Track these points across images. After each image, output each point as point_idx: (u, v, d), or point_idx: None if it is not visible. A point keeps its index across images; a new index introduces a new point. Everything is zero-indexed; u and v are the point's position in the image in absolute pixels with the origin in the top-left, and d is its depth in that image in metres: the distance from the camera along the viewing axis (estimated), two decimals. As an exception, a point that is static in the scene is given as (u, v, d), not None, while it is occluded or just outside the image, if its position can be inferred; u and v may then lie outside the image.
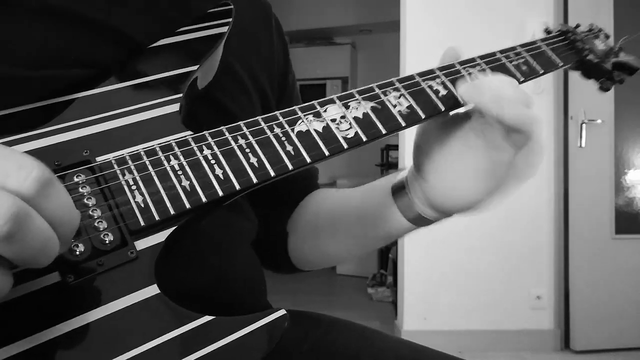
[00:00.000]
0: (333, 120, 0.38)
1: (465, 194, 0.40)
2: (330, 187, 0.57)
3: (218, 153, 0.34)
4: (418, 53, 2.08)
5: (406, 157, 2.12)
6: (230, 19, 0.42)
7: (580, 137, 2.04)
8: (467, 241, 2.09)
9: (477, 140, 0.38)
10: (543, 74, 0.46)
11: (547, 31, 0.51)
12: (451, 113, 0.41)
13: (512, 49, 0.46)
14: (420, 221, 0.44)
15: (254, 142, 0.35)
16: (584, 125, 2.03)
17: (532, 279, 2.10)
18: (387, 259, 3.13)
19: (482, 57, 0.45)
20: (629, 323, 2.05)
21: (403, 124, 0.39)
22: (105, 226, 0.30)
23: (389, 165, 3.52)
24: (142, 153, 0.34)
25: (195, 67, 0.39)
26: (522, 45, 0.47)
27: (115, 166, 0.33)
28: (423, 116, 0.40)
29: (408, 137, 2.12)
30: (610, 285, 2.05)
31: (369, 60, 4.36)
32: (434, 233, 2.20)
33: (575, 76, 2.14)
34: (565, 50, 0.49)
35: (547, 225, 2.10)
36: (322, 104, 0.38)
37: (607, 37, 0.53)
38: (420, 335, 1.94)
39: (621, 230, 2.08)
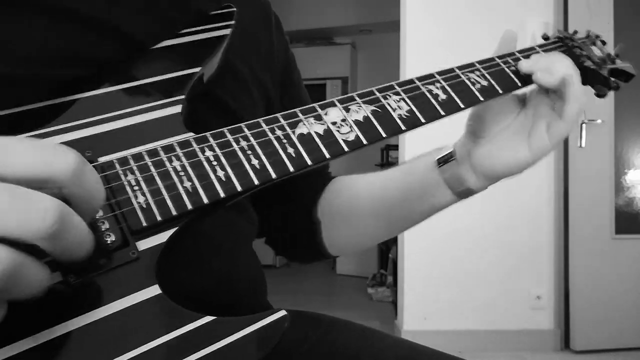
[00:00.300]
0: (334, 123, 0.38)
1: (514, 153, 0.44)
2: (359, 175, 0.58)
3: (220, 154, 0.35)
4: (418, 53, 2.09)
5: (406, 157, 2.12)
6: (233, 21, 0.42)
7: (580, 137, 2.04)
8: (467, 241, 2.09)
9: (529, 112, 0.45)
10: None
11: (545, 37, 0.52)
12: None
13: (511, 54, 0.47)
14: (464, 192, 0.47)
15: (255, 144, 0.36)
16: (584, 125, 2.04)
17: (532, 279, 2.10)
18: (387, 258, 3.13)
19: (480, 62, 0.45)
20: (629, 323, 2.05)
21: (403, 128, 0.39)
22: (107, 226, 0.31)
23: (389, 165, 3.52)
24: (144, 154, 0.34)
25: (197, 69, 0.39)
26: (520, 51, 0.48)
27: (118, 167, 0.33)
28: (423, 120, 0.40)
29: (408, 138, 2.12)
30: (611, 285, 2.05)
31: (369, 60, 4.36)
32: (434, 233, 2.19)
33: (575, 76, 2.09)
34: None
35: (547, 225, 2.10)
36: (322, 107, 0.39)
37: (603, 43, 0.53)
38: (420, 335, 1.94)
39: (621, 230, 2.08)
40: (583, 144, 2.04)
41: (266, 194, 0.44)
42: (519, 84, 0.45)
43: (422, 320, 2.09)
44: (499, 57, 0.46)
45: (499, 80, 0.45)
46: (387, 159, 3.63)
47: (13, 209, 0.22)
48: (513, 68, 0.46)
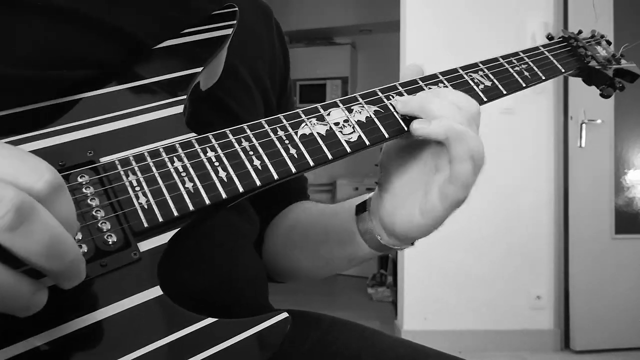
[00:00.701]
0: (336, 124, 0.38)
1: (408, 213, 0.39)
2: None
3: (222, 155, 0.35)
4: (418, 53, 2.09)
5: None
6: (235, 21, 0.42)
7: (580, 137, 2.04)
8: (467, 241, 2.09)
9: (429, 163, 0.39)
10: (545, 80, 0.46)
11: (549, 37, 0.52)
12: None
13: (515, 54, 0.47)
14: (379, 246, 0.42)
15: (257, 145, 0.36)
16: (584, 126, 2.04)
17: (532, 279, 2.10)
18: (387, 259, 3.13)
19: (484, 63, 0.45)
20: (629, 323, 2.05)
21: (406, 129, 0.39)
22: (109, 227, 0.30)
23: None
24: (146, 154, 0.34)
25: (199, 69, 0.39)
26: (525, 51, 0.47)
27: (119, 167, 0.33)
28: None
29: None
30: (610, 285, 2.05)
31: (369, 60, 4.36)
32: (434, 233, 2.19)
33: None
34: (567, 57, 0.50)
35: (547, 225, 2.10)
36: (325, 108, 0.39)
37: (609, 43, 0.53)
38: (420, 335, 1.94)
39: (621, 230, 2.08)
40: (583, 144, 2.04)
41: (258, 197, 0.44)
42: (523, 85, 0.45)
43: (422, 320, 2.09)
44: (503, 58, 0.46)
45: (503, 81, 0.44)
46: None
47: None
48: (517, 69, 0.45)
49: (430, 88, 0.42)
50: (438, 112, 0.36)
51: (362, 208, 0.43)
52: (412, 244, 0.42)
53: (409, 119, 0.39)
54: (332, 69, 4.26)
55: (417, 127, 0.37)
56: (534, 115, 2.10)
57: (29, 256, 0.23)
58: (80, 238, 0.29)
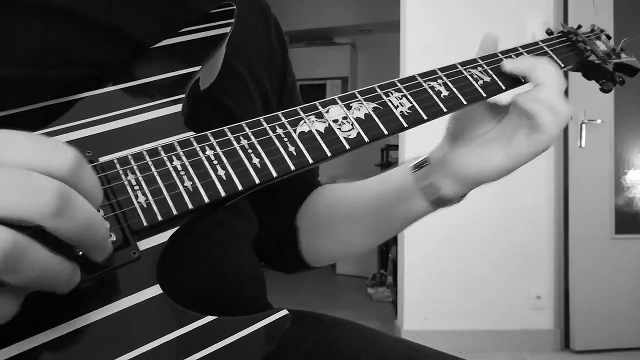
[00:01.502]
0: (335, 121, 0.38)
1: (492, 158, 0.42)
2: (339, 183, 0.57)
3: (220, 153, 0.35)
4: (418, 53, 2.09)
5: (406, 157, 2.12)
6: (233, 20, 0.42)
7: (580, 137, 2.04)
8: (467, 241, 2.09)
9: (513, 112, 0.43)
10: None
11: (549, 32, 0.51)
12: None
13: (514, 49, 0.46)
14: (437, 200, 0.45)
15: (256, 143, 0.35)
16: (583, 126, 2.04)
17: (532, 278, 2.10)
18: (387, 259, 3.13)
19: (482, 58, 0.45)
20: (629, 323, 2.05)
21: (405, 125, 0.39)
22: (108, 226, 0.30)
23: (388, 164, 3.52)
24: (145, 153, 0.34)
25: (197, 68, 0.39)
26: (524, 47, 0.47)
27: (118, 166, 0.33)
28: (425, 117, 0.40)
29: (408, 137, 2.12)
30: (610, 285, 2.05)
31: (369, 60, 4.36)
32: (434, 233, 2.19)
33: (575, 76, 2.14)
34: (566, 52, 0.49)
35: (547, 225, 2.10)
36: (324, 105, 0.39)
37: (608, 38, 0.53)
38: (420, 335, 1.94)
39: (621, 230, 2.08)
40: (583, 144, 2.04)
41: (257, 196, 0.44)
42: (522, 80, 0.44)
43: (422, 320, 2.09)
44: (502, 53, 0.46)
45: (502, 76, 0.44)
46: (387, 159, 3.63)
47: (13, 188, 0.22)
48: None
49: (429, 84, 0.41)
50: (547, 75, 0.42)
51: (419, 166, 0.46)
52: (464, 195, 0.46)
53: (408, 114, 0.40)
54: (332, 69, 4.26)
55: (508, 62, 0.43)
56: (534, 115, 2.09)
57: (72, 236, 0.25)
58: (103, 236, 0.29)
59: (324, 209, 0.53)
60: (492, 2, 2.10)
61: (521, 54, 0.46)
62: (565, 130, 2.09)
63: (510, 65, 0.43)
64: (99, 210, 0.27)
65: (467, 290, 2.09)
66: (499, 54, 0.46)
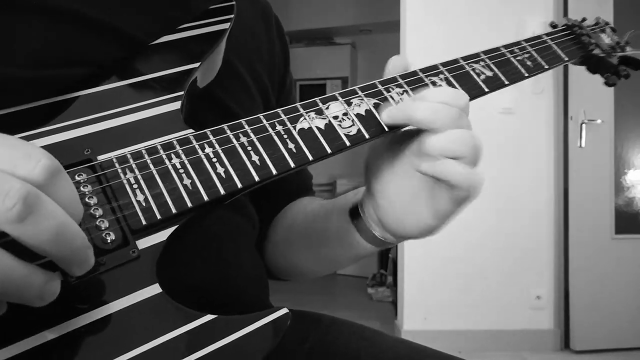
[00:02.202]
0: (335, 118, 0.37)
1: (416, 218, 0.38)
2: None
3: (220, 151, 0.34)
4: (418, 53, 2.08)
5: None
6: (232, 15, 0.42)
7: (580, 137, 2.04)
8: (467, 241, 2.09)
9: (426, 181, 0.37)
10: (548, 69, 0.45)
11: (553, 25, 0.51)
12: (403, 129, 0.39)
13: (517, 43, 0.46)
14: (380, 243, 0.41)
15: (255, 140, 0.35)
16: (583, 126, 2.04)
17: (532, 278, 2.10)
18: (387, 259, 3.13)
19: (486, 53, 0.44)
20: (629, 323, 2.05)
21: None
22: (107, 225, 0.30)
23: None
24: (144, 151, 0.33)
25: (197, 65, 0.39)
26: (527, 40, 0.46)
27: (117, 165, 0.33)
28: None
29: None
30: (610, 285, 2.05)
31: (369, 60, 4.36)
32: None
33: (575, 76, 2.14)
34: (570, 45, 0.49)
35: (547, 225, 2.10)
36: (324, 101, 0.38)
37: (613, 31, 0.52)
38: (420, 335, 1.94)
39: (621, 230, 2.08)
40: (583, 144, 2.04)
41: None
42: (525, 74, 0.44)
43: (422, 320, 2.08)
44: (505, 47, 0.45)
45: (505, 70, 0.43)
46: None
47: None
48: (519, 58, 0.44)
49: (430, 79, 0.41)
50: (424, 118, 0.35)
51: (356, 212, 0.42)
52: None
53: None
54: (332, 69, 4.26)
55: (425, 168, 0.35)
56: (533, 115, 2.10)
57: (38, 244, 0.23)
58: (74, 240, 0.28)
59: (286, 223, 0.52)
60: (492, 2, 2.10)
61: (525, 48, 0.45)
62: (565, 130, 2.09)
63: (385, 116, 0.37)
64: (81, 225, 0.25)
65: (467, 291, 2.09)
66: (502, 48, 0.45)
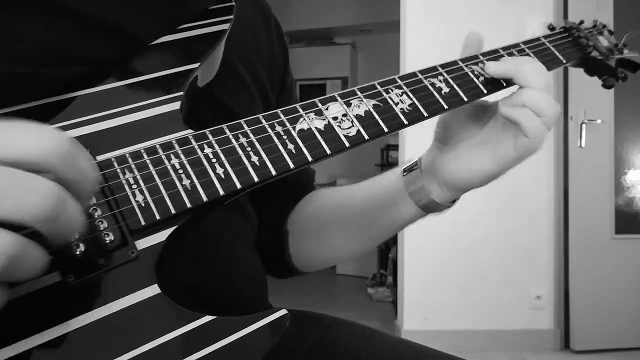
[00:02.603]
0: (335, 118, 0.37)
1: (480, 160, 0.42)
2: (330, 187, 0.57)
3: (219, 151, 0.34)
4: (418, 53, 2.08)
5: (406, 156, 2.12)
6: (232, 16, 0.42)
7: (580, 137, 2.04)
8: (467, 241, 2.09)
9: (499, 119, 0.42)
10: (547, 71, 0.46)
11: (551, 28, 0.51)
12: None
13: (515, 45, 0.46)
14: (427, 204, 0.45)
15: (255, 141, 0.35)
16: (583, 125, 2.04)
17: (532, 279, 2.10)
18: (387, 258, 3.13)
19: (484, 54, 0.45)
20: (629, 323, 2.05)
21: (405, 122, 0.39)
22: (106, 225, 0.30)
23: (389, 165, 3.52)
24: (143, 152, 0.33)
25: (196, 65, 0.39)
26: (525, 42, 0.47)
27: (116, 165, 0.32)
28: (426, 114, 0.40)
29: (408, 137, 2.12)
30: (610, 285, 2.05)
31: (368, 61, 4.36)
32: (434, 233, 2.19)
33: (575, 76, 2.14)
34: (568, 47, 0.49)
35: (547, 225, 2.10)
36: (323, 102, 0.38)
37: (611, 33, 0.52)
38: (420, 335, 1.94)
39: (621, 230, 2.08)
40: (583, 144, 2.04)
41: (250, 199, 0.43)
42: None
43: (422, 320, 2.08)
44: (503, 49, 0.45)
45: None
46: (387, 159, 3.63)
47: (13, 192, 0.22)
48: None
49: (429, 80, 0.41)
50: (531, 76, 0.40)
51: (409, 169, 0.46)
52: (455, 201, 0.46)
53: (408, 111, 0.39)
54: (332, 69, 4.26)
55: (509, 111, 0.40)
56: (534, 115, 2.09)
57: (53, 237, 0.24)
58: (77, 237, 0.28)
59: (313, 212, 0.53)
60: (492, 2, 2.10)
61: (523, 50, 0.46)
62: (565, 130, 2.09)
63: (492, 68, 0.43)
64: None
65: (467, 291, 2.09)
66: (501, 50, 0.45)
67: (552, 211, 2.10)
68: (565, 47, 0.49)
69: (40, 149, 0.24)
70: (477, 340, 2.06)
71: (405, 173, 0.46)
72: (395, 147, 3.21)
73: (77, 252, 0.29)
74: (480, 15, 2.09)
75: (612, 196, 2.09)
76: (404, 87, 0.40)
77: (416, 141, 2.10)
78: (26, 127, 0.24)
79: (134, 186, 0.32)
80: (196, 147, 0.34)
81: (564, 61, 0.47)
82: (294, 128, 0.36)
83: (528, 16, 2.06)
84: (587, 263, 2.04)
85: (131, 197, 0.31)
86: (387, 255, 3.13)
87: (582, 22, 0.52)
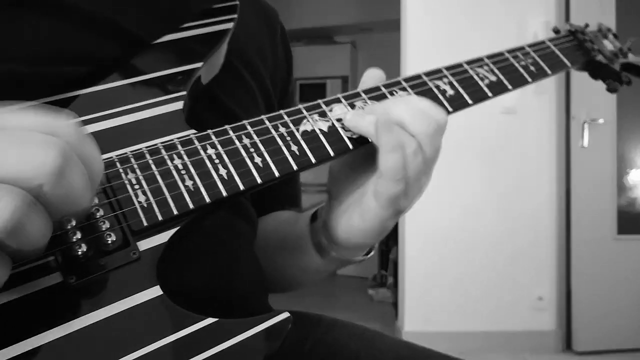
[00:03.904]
0: (339, 120, 0.37)
1: (350, 221, 0.37)
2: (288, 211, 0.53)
3: (222, 152, 0.34)
4: (418, 52, 2.08)
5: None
6: (235, 15, 0.42)
7: (583, 137, 2.03)
8: (468, 242, 2.09)
9: (373, 166, 0.36)
10: (552, 74, 0.46)
11: (556, 31, 0.51)
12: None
13: (521, 48, 0.46)
14: (331, 260, 0.41)
15: (258, 142, 0.35)
16: (586, 125, 2.03)
17: (533, 279, 2.09)
18: (387, 259, 3.13)
19: (489, 57, 0.44)
20: (631, 324, 2.04)
21: None
22: (108, 226, 0.30)
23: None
24: (146, 152, 0.33)
25: (199, 64, 0.39)
26: (530, 45, 0.47)
27: (118, 165, 0.32)
28: None
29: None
30: (613, 286, 2.05)
31: (369, 60, 4.36)
32: (435, 234, 2.18)
33: (577, 76, 2.13)
34: (573, 51, 0.49)
35: (549, 226, 2.10)
36: (327, 103, 0.38)
37: (616, 37, 0.52)
38: (421, 337, 1.94)
39: (623, 231, 2.08)
40: (585, 144, 2.03)
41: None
42: (529, 80, 0.44)
43: (423, 322, 2.08)
44: (509, 52, 0.45)
45: (509, 75, 0.43)
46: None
47: (12, 148, 0.22)
48: (523, 63, 0.45)
49: (434, 83, 0.41)
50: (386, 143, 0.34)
51: (315, 217, 0.42)
52: (368, 254, 0.41)
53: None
54: (333, 68, 4.26)
55: (349, 118, 0.36)
56: (535, 115, 2.09)
57: (60, 202, 0.24)
58: (79, 237, 0.28)
59: (260, 234, 0.50)
60: (493, 2, 2.10)
61: (528, 53, 0.46)
62: (568, 130, 2.09)
63: (349, 122, 0.37)
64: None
65: (468, 291, 2.09)
66: (506, 53, 0.45)
67: (554, 211, 2.09)
68: (571, 50, 0.49)
69: (22, 172, 0.22)
70: (478, 342, 2.05)
71: (311, 222, 0.42)
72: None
73: (79, 253, 0.29)
74: (481, 15, 2.09)
75: (615, 196, 2.08)
76: (408, 89, 0.40)
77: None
78: (9, 141, 0.23)
79: (137, 186, 0.32)
80: (199, 147, 0.34)
81: (569, 65, 0.47)
82: (297, 129, 0.36)
83: (529, 16, 2.06)
84: (589, 263, 2.04)
85: (133, 198, 0.31)
86: (387, 256, 3.13)
87: (587, 26, 0.52)
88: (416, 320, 2.09)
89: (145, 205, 0.31)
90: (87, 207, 0.26)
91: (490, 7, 2.09)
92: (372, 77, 0.40)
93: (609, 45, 0.51)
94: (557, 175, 2.09)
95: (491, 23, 2.06)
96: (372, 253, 0.42)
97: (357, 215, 0.37)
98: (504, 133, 2.07)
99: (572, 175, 2.06)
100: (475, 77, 0.42)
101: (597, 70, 0.50)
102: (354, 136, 0.37)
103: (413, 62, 2.09)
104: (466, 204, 2.05)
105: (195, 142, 0.34)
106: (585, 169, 2.05)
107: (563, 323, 2.10)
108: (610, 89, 0.50)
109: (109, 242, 0.30)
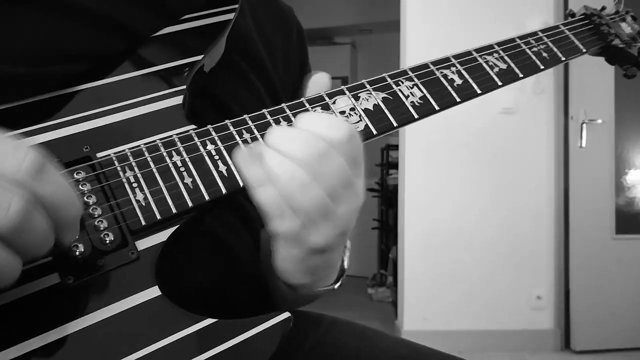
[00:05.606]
0: (342, 113, 0.36)
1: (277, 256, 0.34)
2: None
3: (222, 148, 0.33)
4: (418, 53, 2.08)
5: (406, 157, 2.12)
6: (237, 5, 0.40)
7: (581, 137, 2.04)
8: (467, 242, 2.09)
9: None
10: (565, 61, 0.44)
11: (571, 14, 0.49)
12: None
13: (533, 34, 0.44)
14: (293, 287, 0.37)
15: (259, 137, 0.34)
16: (584, 126, 2.03)
17: (532, 279, 2.10)
18: (387, 259, 3.13)
19: (499, 44, 0.43)
20: (630, 323, 2.05)
21: (416, 116, 0.37)
22: (106, 225, 0.30)
23: (389, 165, 3.51)
24: (144, 149, 0.33)
25: (199, 57, 0.38)
26: (543, 30, 0.44)
27: (116, 163, 0.32)
28: (437, 107, 0.38)
29: (408, 137, 2.12)
30: (611, 285, 2.05)
31: (369, 60, 4.36)
32: (435, 233, 2.18)
33: (575, 76, 2.13)
34: (589, 35, 0.47)
35: (548, 225, 2.10)
36: (330, 96, 0.37)
37: (634, 19, 0.49)
38: (421, 336, 1.94)
39: (621, 230, 2.08)
40: (583, 144, 2.03)
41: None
42: (541, 66, 0.42)
43: (422, 321, 2.08)
44: (520, 38, 0.43)
45: (520, 63, 0.41)
46: (387, 159, 3.62)
47: None
48: (535, 49, 0.43)
49: (442, 72, 0.39)
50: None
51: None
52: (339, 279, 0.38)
53: (419, 104, 0.37)
54: (332, 69, 4.21)
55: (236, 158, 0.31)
56: (534, 115, 2.09)
57: (24, 251, 0.23)
58: (77, 237, 0.28)
59: None
60: (493, 2, 2.10)
61: (541, 38, 0.43)
62: (566, 130, 2.09)
63: (237, 162, 0.31)
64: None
65: (467, 291, 2.09)
66: (517, 39, 0.43)
67: (552, 211, 2.09)
68: (586, 35, 0.46)
69: (11, 162, 0.23)
70: (477, 341, 2.05)
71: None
72: (395, 147, 3.20)
73: (77, 253, 0.28)
74: (480, 15, 2.09)
75: (613, 196, 2.09)
76: (415, 79, 0.39)
77: (416, 142, 2.10)
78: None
79: (135, 185, 0.31)
80: (198, 143, 0.33)
81: (584, 50, 0.45)
82: None
83: (528, 17, 2.06)
84: (587, 263, 2.04)
85: (131, 196, 0.31)
86: (387, 255, 3.13)
87: (603, 8, 0.49)
88: (415, 319, 2.09)
89: (144, 204, 0.31)
90: (65, 244, 0.26)
91: (489, 8, 2.09)
92: (317, 83, 0.38)
93: (627, 28, 0.48)
94: (556, 175, 2.10)
95: (490, 24, 2.06)
96: (339, 283, 0.38)
97: (275, 256, 0.34)
98: (502, 133, 2.08)
99: (570, 175, 2.07)
100: (485, 64, 0.41)
101: (613, 55, 0.47)
102: (358, 129, 0.36)
103: (412, 63, 2.09)
104: (465, 203, 2.05)
105: (195, 138, 0.34)
106: (583, 169, 2.05)
107: (561, 322, 2.10)
108: (628, 75, 0.46)
109: (107, 241, 0.29)
